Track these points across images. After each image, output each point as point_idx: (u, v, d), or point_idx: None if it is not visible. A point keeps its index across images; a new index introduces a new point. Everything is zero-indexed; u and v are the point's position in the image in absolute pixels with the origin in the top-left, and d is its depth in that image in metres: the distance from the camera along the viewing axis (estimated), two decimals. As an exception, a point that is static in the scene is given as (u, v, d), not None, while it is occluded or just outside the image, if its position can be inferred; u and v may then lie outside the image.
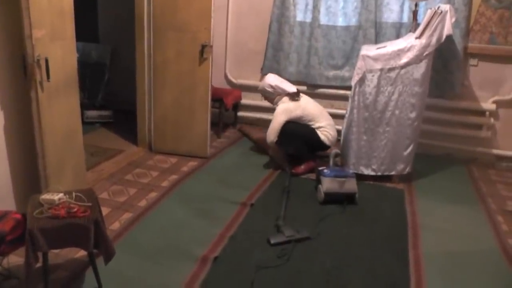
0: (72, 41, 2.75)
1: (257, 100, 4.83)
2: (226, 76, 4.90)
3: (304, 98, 3.80)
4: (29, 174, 2.65)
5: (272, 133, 3.69)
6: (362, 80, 3.45)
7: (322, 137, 3.68)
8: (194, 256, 2.52)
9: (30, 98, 2.47)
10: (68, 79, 2.76)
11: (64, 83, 2.72)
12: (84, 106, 4.35)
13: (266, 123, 4.68)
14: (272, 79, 3.83)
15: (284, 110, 3.69)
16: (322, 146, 3.73)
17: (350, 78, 4.16)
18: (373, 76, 3.42)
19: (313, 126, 3.70)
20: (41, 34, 2.43)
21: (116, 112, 4.90)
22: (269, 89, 3.83)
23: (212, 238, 2.70)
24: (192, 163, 3.89)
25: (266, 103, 4.67)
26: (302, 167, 3.77)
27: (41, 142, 2.55)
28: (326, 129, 3.70)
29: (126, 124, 4.62)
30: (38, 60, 2.42)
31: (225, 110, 4.56)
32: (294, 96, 3.75)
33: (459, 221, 3.12)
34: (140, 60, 3.94)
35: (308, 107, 3.72)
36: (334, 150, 3.58)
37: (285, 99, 3.76)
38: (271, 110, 4.51)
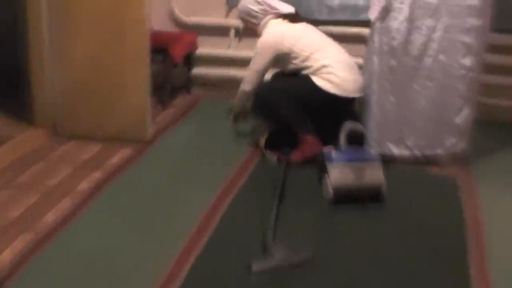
0: None
1: (223, 48, 4.81)
2: (172, 13, 4.84)
3: (303, 25, 3.82)
4: None
5: (250, 77, 3.75)
6: (384, 11, 3.45)
7: (320, 83, 3.58)
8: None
9: None
10: None
11: None
12: None
13: (237, 83, 4.56)
14: None
15: (272, 38, 3.71)
16: (328, 98, 3.60)
17: (365, 8, 4.05)
18: (402, 3, 3.41)
19: (306, 71, 3.66)
20: None
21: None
22: (254, 8, 3.82)
23: (161, 268, 2.61)
24: (125, 151, 3.84)
25: (237, 52, 4.78)
26: (299, 152, 3.72)
27: None
28: (330, 68, 3.59)
29: (11, 96, 4.48)
30: None
31: (173, 66, 4.58)
32: (289, 18, 3.79)
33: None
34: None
35: (307, 36, 3.74)
36: (349, 122, 3.50)
37: (276, 21, 3.77)
38: (245, 63, 4.40)
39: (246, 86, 3.79)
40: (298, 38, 3.70)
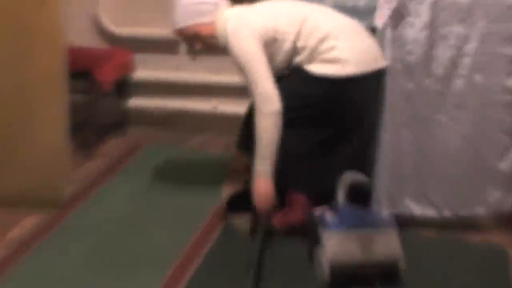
0: None
1: (170, 70, 4.48)
2: (98, 23, 4.54)
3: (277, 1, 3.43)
4: None
5: (259, 90, 3.07)
6: (397, 15, 3.14)
7: (319, 69, 3.09)
8: None
9: None
10: None
11: None
12: None
13: (194, 119, 4.57)
14: None
15: (245, 22, 3.23)
16: (338, 88, 3.09)
17: (369, 11, 3.66)
18: (420, 3, 3.09)
19: (300, 58, 3.18)
20: None
21: None
22: (201, 8, 3.27)
23: None
24: (31, 220, 3.45)
25: (190, 76, 4.48)
26: (285, 216, 3.27)
27: None
28: (332, 41, 3.11)
29: None
30: None
31: (100, 96, 4.30)
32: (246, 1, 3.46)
33: None
34: None
35: (288, 7, 3.32)
36: (350, 174, 3.11)
37: (235, 9, 3.35)
38: (200, 90, 4.44)
39: (266, 106, 3.04)
40: (279, 11, 3.27)
